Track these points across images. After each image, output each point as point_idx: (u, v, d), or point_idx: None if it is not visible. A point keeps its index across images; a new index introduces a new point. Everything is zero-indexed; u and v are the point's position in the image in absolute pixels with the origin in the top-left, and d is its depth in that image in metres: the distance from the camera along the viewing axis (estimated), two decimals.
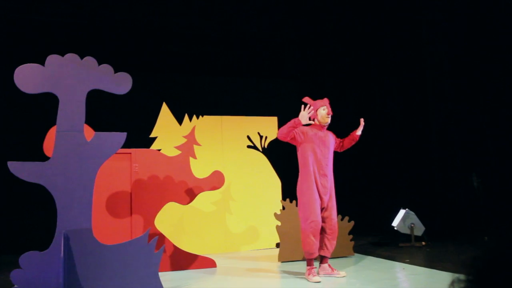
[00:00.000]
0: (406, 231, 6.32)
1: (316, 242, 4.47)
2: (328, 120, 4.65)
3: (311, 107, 4.44)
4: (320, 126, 4.64)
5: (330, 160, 4.66)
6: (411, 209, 6.43)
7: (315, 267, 4.55)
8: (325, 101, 4.72)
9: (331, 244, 4.62)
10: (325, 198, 4.58)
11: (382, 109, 8.01)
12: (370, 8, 7.89)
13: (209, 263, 5.23)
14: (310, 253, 4.49)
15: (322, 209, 4.58)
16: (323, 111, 4.62)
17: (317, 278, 4.39)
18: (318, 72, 8.36)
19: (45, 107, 4.84)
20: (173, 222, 6.05)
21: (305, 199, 4.54)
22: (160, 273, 3.79)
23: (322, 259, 4.67)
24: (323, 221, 4.58)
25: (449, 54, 7.13)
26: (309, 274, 4.46)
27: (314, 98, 4.79)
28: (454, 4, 6.94)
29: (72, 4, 6.93)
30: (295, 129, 4.49)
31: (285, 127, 4.45)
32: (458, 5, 6.89)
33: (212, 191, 5.58)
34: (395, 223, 6.45)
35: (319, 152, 4.57)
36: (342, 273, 4.58)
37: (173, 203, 5.28)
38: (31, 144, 5.16)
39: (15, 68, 3.53)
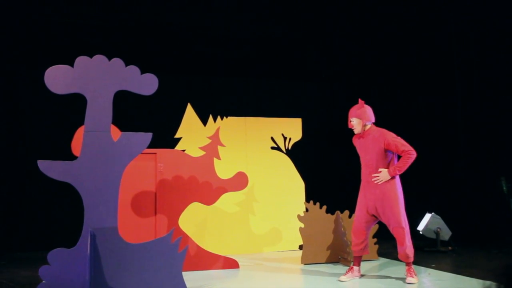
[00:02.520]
0: (432, 235, 6.20)
1: (355, 240, 4.61)
2: (356, 131, 4.59)
3: None
4: (360, 134, 4.61)
5: (376, 167, 4.45)
6: (437, 213, 6.31)
7: (353, 267, 4.64)
8: (349, 112, 4.65)
9: (399, 249, 4.52)
10: (371, 204, 4.49)
11: (408, 111, 7.87)
12: (395, 9, 7.77)
13: (232, 264, 5.25)
14: (353, 251, 4.69)
15: (373, 215, 4.54)
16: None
17: (342, 278, 4.56)
18: (342, 73, 8.29)
19: (73, 108, 4.95)
20: (197, 222, 6.09)
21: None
22: (183, 273, 3.82)
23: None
24: (388, 227, 4.54)
25: (479, 55, 6.96)
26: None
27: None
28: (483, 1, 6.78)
29: (99, 7, 7.06)
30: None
31: None
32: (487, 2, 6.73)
33: (235, 192, 5.59)
34: (421, 227, 6.34)
35: (362, 160, 4.62)
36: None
37: (197, 203, 5.31)
38: (60, 144, 5.27)
39: (45, 69, 3.62)
